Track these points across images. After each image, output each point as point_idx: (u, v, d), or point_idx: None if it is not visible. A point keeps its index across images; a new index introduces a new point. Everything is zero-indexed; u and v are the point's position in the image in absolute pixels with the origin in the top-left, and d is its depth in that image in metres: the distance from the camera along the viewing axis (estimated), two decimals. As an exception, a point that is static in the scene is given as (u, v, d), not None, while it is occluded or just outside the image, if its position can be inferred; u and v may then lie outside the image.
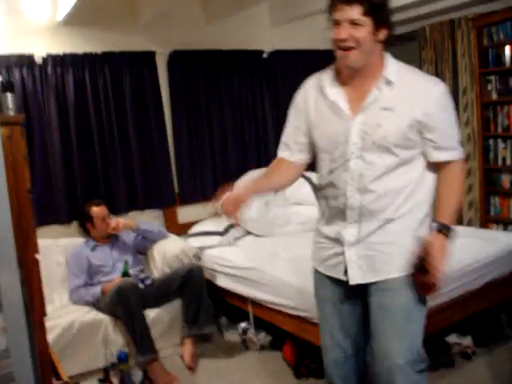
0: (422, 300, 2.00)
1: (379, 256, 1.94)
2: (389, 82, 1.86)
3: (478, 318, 3.42)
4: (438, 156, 1.92)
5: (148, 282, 3.82)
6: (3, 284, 1.38)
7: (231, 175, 4.86)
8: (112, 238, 3.98)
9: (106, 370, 3.22)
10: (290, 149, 2.14)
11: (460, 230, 3.90)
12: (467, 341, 3.31)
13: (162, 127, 4.65)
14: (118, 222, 3.92)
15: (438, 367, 3.13)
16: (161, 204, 4.69)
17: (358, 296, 2.05)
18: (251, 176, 4.63)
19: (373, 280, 1.96)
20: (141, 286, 3.72)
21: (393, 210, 1.91)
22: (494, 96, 4.87)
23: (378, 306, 1.97)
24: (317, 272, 2.16)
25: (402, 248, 1.94)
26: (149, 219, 4.54)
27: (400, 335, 1.94)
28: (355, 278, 1.98)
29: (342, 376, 2.15)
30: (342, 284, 2.04)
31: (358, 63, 1.84)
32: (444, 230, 1.88)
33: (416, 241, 1.93)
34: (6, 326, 1.41)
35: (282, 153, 2.19)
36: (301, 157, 2.14)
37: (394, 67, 1.89)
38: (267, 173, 2.21)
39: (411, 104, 1.84)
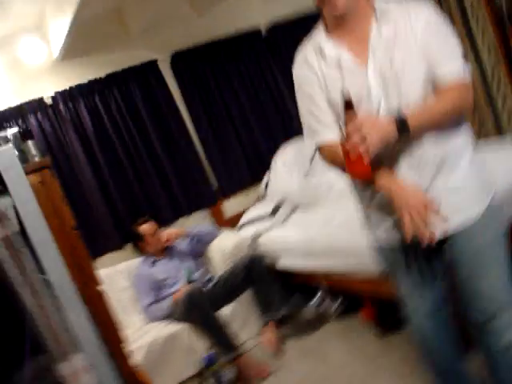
0: (502, 234, 1.89)
1: (448, 202, 1.79)
2: (383, 17, 1.77)
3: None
4: (439, 74, 1.74)
5: (213, 282, 3.86)
6: (75, 326, 1.40)
7: (263, 155, 4.85)
8: (167, 250, 4.02)
9: (199, 376, 3.27)
10: (329, 126, 1.86)
11: (502, 146, 3.74)
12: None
13: (183, 130, 4.66)
14: (168, 233, 3.96)
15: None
16: (203, 204, 4.71)
17: (432, 250, 1.91)
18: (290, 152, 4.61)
19: (451, 231, 1.82)
20: (207, 288, 3.75)
21: (434, 142, 1.78)
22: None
23: (463, 256, 1.86)
24: (380, 247, 2.01)
25: (466, 183, 1.81)
26: (197, 222, 4.58)
27: (495, 277, 1.84)
28: None
29: (431, 333, 2.04)
30: (412, 245, 1.89)
31: (348, 8, 1.74)
32: (397, 120, 1.65)
33: (475, 171, 1.83)
34: (89, 363, 1.44)
35: (321, 137, 1.88)
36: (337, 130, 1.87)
37: (382, 1, 1.81)
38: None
39: (408, 30, 1.75)
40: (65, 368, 1.53)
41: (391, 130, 1.65)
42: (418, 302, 2.02)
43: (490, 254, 1.84)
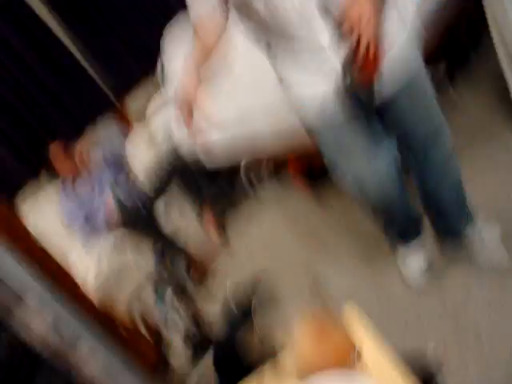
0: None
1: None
2: None
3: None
4: None
5: (143, 199, 3.72)
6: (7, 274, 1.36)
7: (147, 42, 4.49)
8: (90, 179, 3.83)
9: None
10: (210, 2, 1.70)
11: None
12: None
13: (57, 44, 4.28)
14: (78, 150, 3.80)
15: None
16: (102, 110, 4.50)
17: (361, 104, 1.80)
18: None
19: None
20: (143, 211, 3.66)
21: None
22: None
23: (407, 97, 1.80)
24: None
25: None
26: (106, 134, 4.39)
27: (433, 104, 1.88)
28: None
29: (392, 185, 2.04)
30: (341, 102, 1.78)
31: None
32: None
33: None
34: (37, 305, 1.42)
35: (197, 12, 1.75)
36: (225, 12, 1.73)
37: None
38: (198, 58, 1.82)
39: None
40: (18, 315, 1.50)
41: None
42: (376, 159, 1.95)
43: (424, 85, 1.84)
